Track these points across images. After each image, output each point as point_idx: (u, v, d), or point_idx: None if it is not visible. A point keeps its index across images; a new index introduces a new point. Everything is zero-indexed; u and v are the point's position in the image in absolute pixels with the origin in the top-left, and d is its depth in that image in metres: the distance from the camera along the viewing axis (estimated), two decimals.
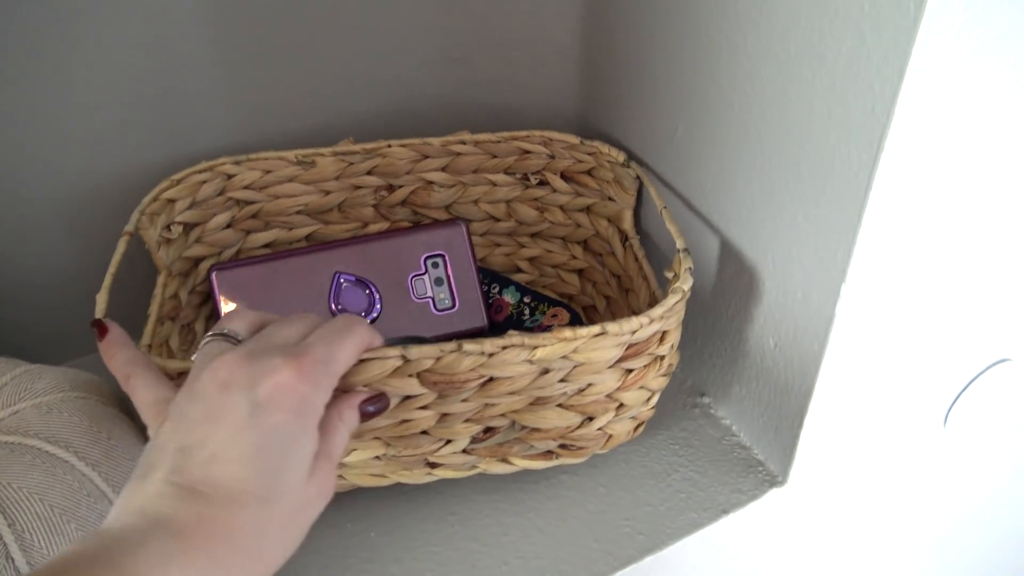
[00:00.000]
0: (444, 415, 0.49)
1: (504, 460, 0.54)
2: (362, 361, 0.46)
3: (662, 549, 0.56)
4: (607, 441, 0.55)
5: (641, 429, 0.57)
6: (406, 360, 0.46)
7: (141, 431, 0.51)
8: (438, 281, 0.65)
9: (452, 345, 0.46)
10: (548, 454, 0.55)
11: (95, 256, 0.57)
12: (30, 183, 0.60)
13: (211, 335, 0.40)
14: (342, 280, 0.64)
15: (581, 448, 0.54)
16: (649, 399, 0.54)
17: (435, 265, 0.65)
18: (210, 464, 0.34)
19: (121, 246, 0.54)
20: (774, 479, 0.60)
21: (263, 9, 0.60)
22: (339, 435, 0.40)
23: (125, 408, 0.53)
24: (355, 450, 0.51)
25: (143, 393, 0.39)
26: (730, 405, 0.63)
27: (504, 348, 0.46)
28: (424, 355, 0.46)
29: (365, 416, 0.43)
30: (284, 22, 0.62)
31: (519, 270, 0.72)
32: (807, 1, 0.45)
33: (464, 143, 0.66)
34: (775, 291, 0.54)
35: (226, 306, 0.61)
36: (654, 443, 0.63)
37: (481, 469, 0.55)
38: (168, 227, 0.61)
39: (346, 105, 0.67)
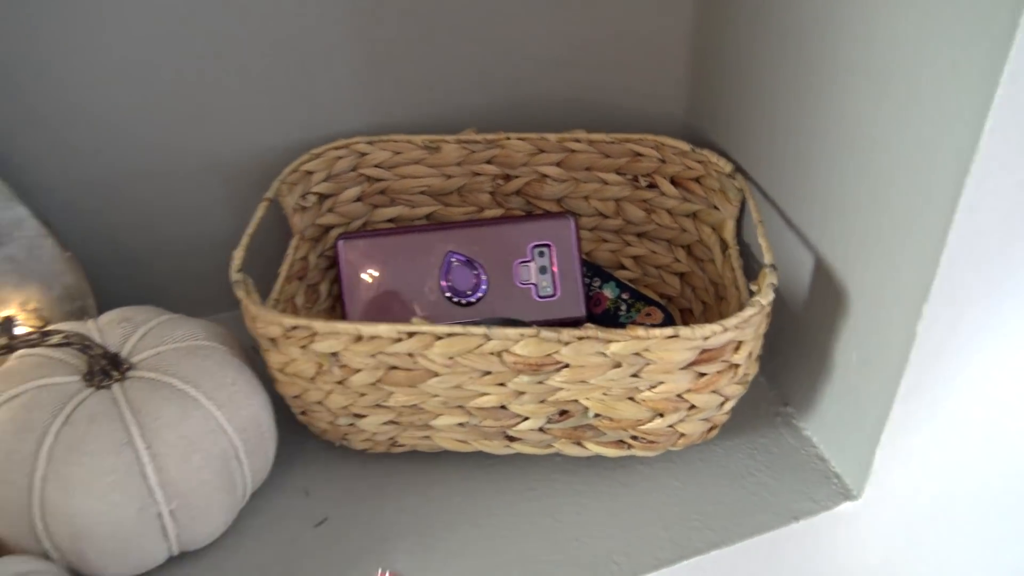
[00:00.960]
0: (521, 393, 0.53)
1: (578, 443, 0.58)
2: (450, 335, 0.51)
3: (729, 546, 0.58)
4: (679, 439, 0.58)
5: (715, 432, 0.59)
6: (488, 339, 0.50)
7: (262, 380, 0.58)
8: (542, 269, 0.69)
9: (532, 330, 0.50)
10: (620, 443, 0.58)
11: (237, 222, 0.64)
12: (186, 156, 0.68)
13: None
14: (453, 259, 0.68)
15: (652, 442, 0.57)
16: (723, 404, 0.56)
17: (541, 254, 0.69)
18: None
19: (260, 210, 0.61)
20: (848, 492, 0.60)
21: (396, 8, 0.66)
22: None
23: (248, 360, 0.60)
24: (441, 415, 0.56)
25: None
26: (811, 417, 0.64)
27: (580, 339, 0.50)
28: (505, 336, 0.50)
29: None
30: (416, 20, 0.67)
31: (623, 267, 0.75)
32: (906, 26, 0.45)
33: (579, 141, 0.70)
34: (860, 307, 0.55)
35: (348, 271, 0.67)
36: (733, 446, 0.64)
37: (557, 449, 0.59)
38: (304, 196, 0.67)
39: (468, 99, 0.72)
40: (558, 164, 0.71)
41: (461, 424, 0.57)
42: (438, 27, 0.68)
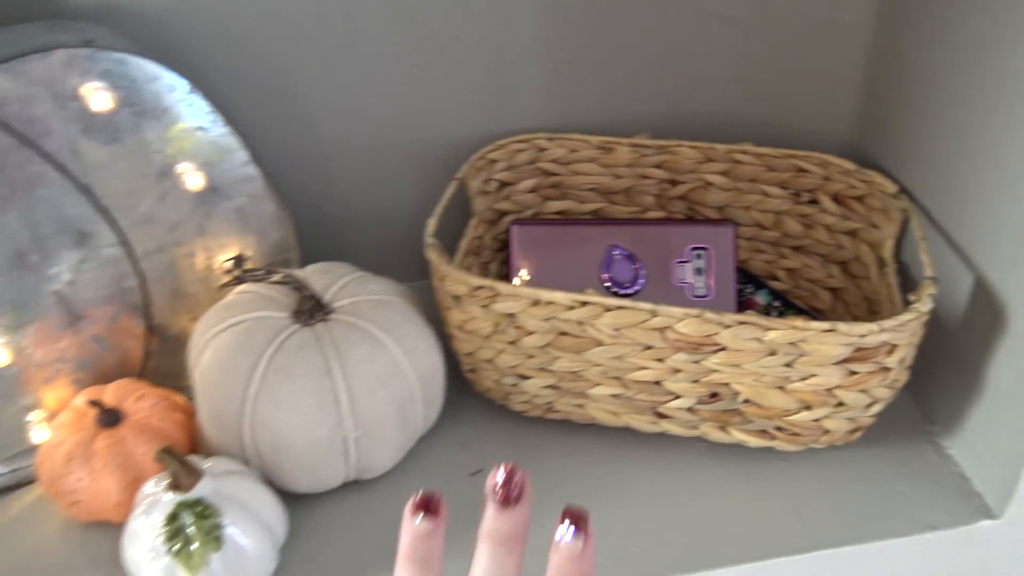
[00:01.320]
0: (677, 371, 0.58)
1: (723, 429, 0.62)
2: (619, 308, 0.55)
3: (860, 544, 0.59)
4: (823, 436, 0.60)
5: (858, 435, 0.62)
6: (654, 315, 0.55)
7: (437, 335, 0.65)
8: (698, 271, 0.73)
9: (696, 311, 0.54)
10: (764, 433, 0.61)
11: (422, 201, 0.72)
12: (387, 137, 0.77)
13: None
14: (615, 253, 0.73)
15: (796, 435, 0.60)
16: (870, 406, 0.58)
17: (699, 256, 0.73)
18: None
19: (451, 188, 0.68)
20: (989, 511, 0.61)
21: (584, 21, 0.72)
22: None
23: (428, 317, 0.66)
24: (599, 385, 0.61)
25: None
26: (956, 436, 0.65)
27: (740, 323, 0.54)
28: (670, 314, 0.54)
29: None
30: (604, 32, 0.73)
31: (776, 278, 0.78)
32: None
33: (746, 153, 0.73)
34: (1020, 327, 0.56)
35: (518, 253, 0.73)
36: (874, 454, 0.65)
37: (701, 432, 0.63)
38: (487, 181, 0.74)
39: (643, 106, 0.77)
40: (724, 174, 0.75)
41: (615, 396, 0.61)
42: (623, 40, 0.74)
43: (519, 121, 0.77)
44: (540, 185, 0.78)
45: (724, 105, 0.77)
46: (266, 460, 0.59)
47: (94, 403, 0.60)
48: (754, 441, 0.62)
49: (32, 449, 0.66)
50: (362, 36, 0.71)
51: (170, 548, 0.53)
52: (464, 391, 0.69)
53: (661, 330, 0.55)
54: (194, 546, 0.53)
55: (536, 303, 0.57)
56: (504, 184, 0.76)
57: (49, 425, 0.66)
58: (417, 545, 0.34)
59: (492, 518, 0.34)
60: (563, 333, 0.58)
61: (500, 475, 0.34)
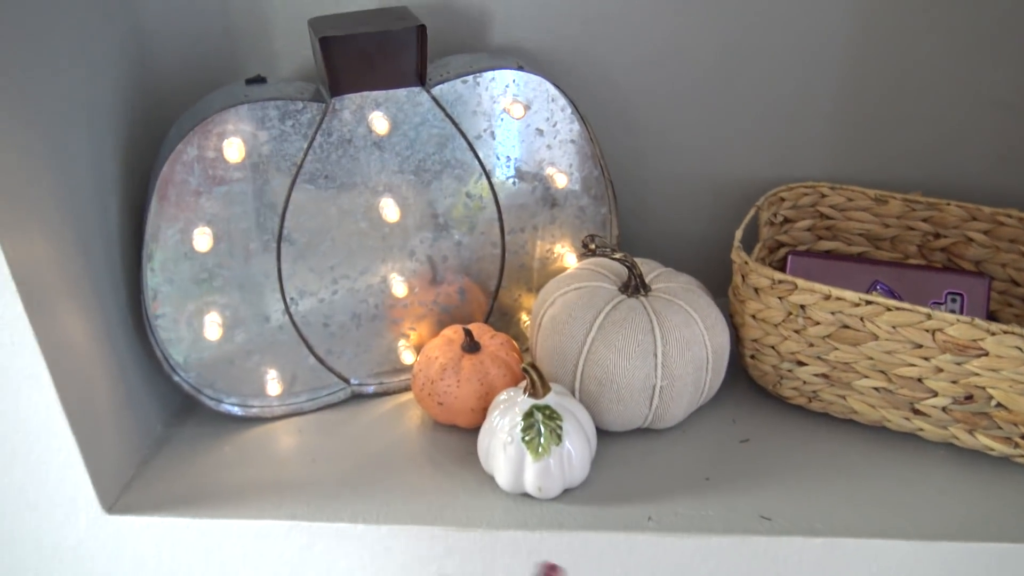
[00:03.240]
0: (939, 370, 0.70)
1: (971, 432, 0.72)
2: (898, 308, 0.69)
3: None
4: None
5: None
6: (929, 317, 0.68)
7: (723, 314, 0.80)
8: (951, 312, 0.84)
9: (967, 317, 0.67)
10: (1008, 440, 0.71)
11: (714, 226, 0.89)
12: (701, 170, 0.94)
13: None
14: (878, 287, 0.86)
15: None
16: None
17: (954, 300, 0.85)
18: None
19: (751, 211, 0.85)
20: None
21: (873, 93, 0.87)
22: None
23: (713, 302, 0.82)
24: (865, 378, 0.74)
25: None
26: None
27: (1004, 332, 0.66)
28: (943, 319, 0.67)
29: None
30: (885, 104, 0.88)
31: None
32: None
33: (1010, 216, 0.85)
34: None
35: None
36: None
37: (951, 434, 0.74)
38: (775, 214, 0.90)
39: (915, 168, 0.91)
40: (985, 233, 0.86)
41: (878, 388, 0.74)
42: (905, 112, 0.89)
43: (807, 169, 0.92)
44: (816, 225, 0.93)
45: (988, 175, 0.90)
46: (590, 393, 0.76)
47: (468, 332, 0.80)
48: (998, 447, 0.72)
49: (394, 369, 0.88)
50: (695, 86, 0.90)
51: (524, 437, 0.71)
52: (737, 379, 0.84)
53: (933, 331, 0.68)
54: (543, 437, 0.70)
55: (827, 297, 0.72)
56: (787, 220, 0.92)
57: (415, 350, 0.87)
58: None
59: None
60: (845, 326, 0.72)
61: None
